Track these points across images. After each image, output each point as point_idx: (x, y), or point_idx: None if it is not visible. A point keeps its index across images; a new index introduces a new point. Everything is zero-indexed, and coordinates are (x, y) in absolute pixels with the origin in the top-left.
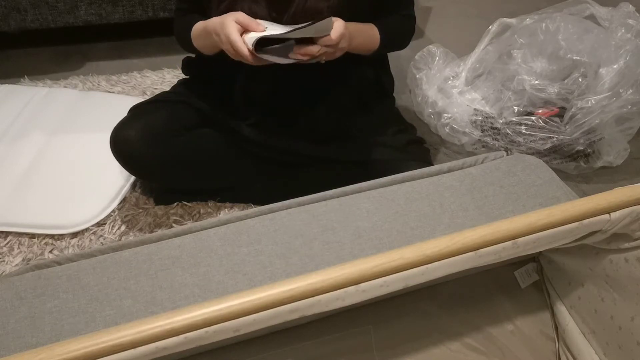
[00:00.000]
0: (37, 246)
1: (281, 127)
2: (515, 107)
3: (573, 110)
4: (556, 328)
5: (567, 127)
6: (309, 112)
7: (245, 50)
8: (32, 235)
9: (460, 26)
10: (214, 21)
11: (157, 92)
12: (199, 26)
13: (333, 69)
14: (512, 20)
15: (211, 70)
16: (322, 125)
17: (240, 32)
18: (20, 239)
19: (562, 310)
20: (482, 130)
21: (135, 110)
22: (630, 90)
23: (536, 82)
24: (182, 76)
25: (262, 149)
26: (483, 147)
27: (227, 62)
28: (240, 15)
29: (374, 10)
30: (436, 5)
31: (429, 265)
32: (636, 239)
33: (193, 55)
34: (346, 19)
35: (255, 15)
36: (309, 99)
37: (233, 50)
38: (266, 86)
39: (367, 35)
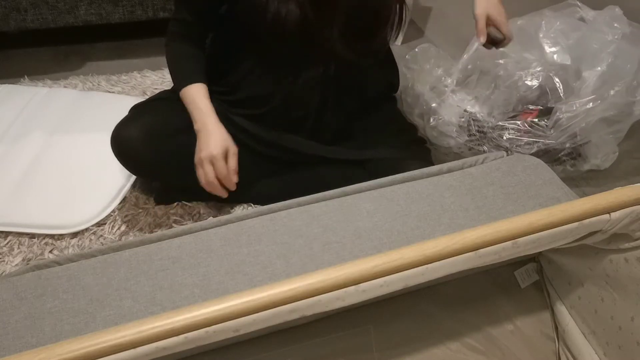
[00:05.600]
0: (37, 246)
1: (289, 126)
2: (504, 107)
3: (557, 114)
4: (556, 328)
5: (552, 131)
6: (315, 114)
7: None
8: (32, 235)
9: (460, 26)
10: (203, 118)
11: (157, 92)
12: (187, 95)
13: (350, 78)
14: None
15: (214, 70)
16: (328, 126)
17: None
18: (20, 239)
19: (562, 310)
20: (469, 135)
21: (136, 109)
22: (615, 93)
23: (525, 81)
24: None
25: (264, 146)
26: (469, 149)
27: (233, 63)
28: (231, 151)
29: None
30: (436, 5)
31: (429, 265)
32: (636, 239)
33: None
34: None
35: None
36: (320, 104)
37: (203, 174)
38: (282, 88)
39: None
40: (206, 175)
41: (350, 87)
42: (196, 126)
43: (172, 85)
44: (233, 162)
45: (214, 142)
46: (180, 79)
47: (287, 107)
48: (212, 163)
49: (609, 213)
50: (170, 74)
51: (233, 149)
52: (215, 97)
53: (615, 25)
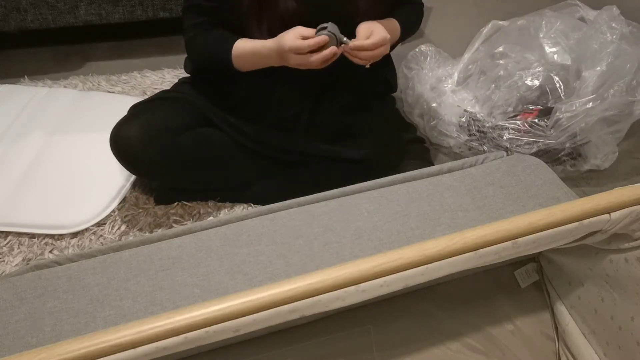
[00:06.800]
0: (37, 246)
1: (283, 125)
2: (505, 107)
3: (557, 114)
4: (556, 328)
5: (552, 131)
6: (312, 111)
7: (317, 41)
8: (32, 235)
9: (461, 26)
10: (266, 43)
11: (157, 92)
12: (244, 46)
13: (345, 71)
14: (505, 23)
15: (214, 71)
16: (324, 125)
17: None
18: (20, 239)
19: (562, 310)
20: (470, 134)
21: (135, 109)
22: (615, 93)
23: (525, 81)
24: (182, 76)
25: (263, 147)
26: (470, 149)
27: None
28: (300, 30)
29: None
30: (436, 6)
31: (429, 265)
32: (636, 239)
33: None
34: (375, 12)
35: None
36: (315, 99)
37: (303, 58)
38: (275, 87)
39: (391, 29)
40: (311, 61)
41: (343, 83)
42: (271, 61)
43: (171, 85)
44: (298, 31)
45: (278, 54)
46: (222, 49)
47: (281, 105)
48: (297, 53)
49: (609, 213)
50: (209, 58)
51: (289, 33)
52: (212, 102)
53: (614, 25)
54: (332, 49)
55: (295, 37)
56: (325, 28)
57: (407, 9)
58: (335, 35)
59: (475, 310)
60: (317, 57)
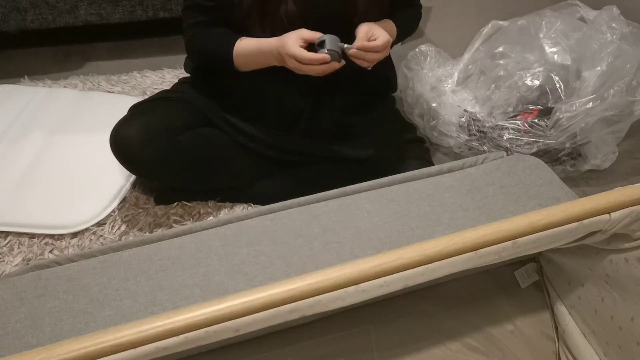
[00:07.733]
0: (37, 246)
1: (283, 125)
2: (505, 107)
3: (557, 114)
4: (556, 328)
5: (552, 131)
6: (312, 111)
7: (317, 58)
8: (32, 235)
9: (460, 26)
10: (270, 42)
11: (157, 92)
12: (249, 44)
13: (345, 71)
14: (505, 23)
15: (214, 69)
16: (324, 124)
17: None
18: (20, 239)
19: (562, 310)
20: (470, 134)
21: (135, 109)
22: (615, 93)
23: (526, 81)
24: (182, 76)
25: (263, 147)
26: (470, 149)
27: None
28: (303, 32)
29: (393, 6)
30: (436, 5)
31: (429, 265)
32: (636, 239)
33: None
34: (374, 12)
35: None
36: (316, 99)
37: (302, 66)
38: (275, 87)
39: (389, 32)
40: (307, 70)
41: (343, 83)
42: (272, 59)
43: (171, 85)
44: (301, 34)
45: (279, 54)
46: (223, 48)
47: (281, 105)
48: (294, 59)
49: (609, 213)
50: (209, 57)
51: (292, 36)
52: (212, 101)
53: (614, 25)
54: (333, 64)
55: (297, 40)
56: (324, 42)
57: (405, 13)
58: (337, 52)
59: (475, 310)
60: (315, 69)
